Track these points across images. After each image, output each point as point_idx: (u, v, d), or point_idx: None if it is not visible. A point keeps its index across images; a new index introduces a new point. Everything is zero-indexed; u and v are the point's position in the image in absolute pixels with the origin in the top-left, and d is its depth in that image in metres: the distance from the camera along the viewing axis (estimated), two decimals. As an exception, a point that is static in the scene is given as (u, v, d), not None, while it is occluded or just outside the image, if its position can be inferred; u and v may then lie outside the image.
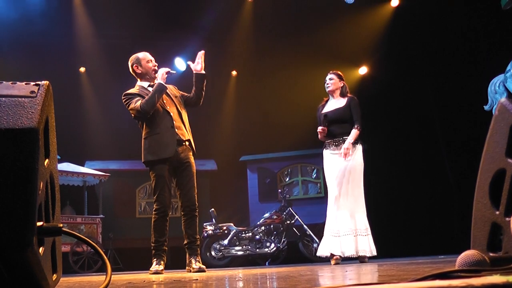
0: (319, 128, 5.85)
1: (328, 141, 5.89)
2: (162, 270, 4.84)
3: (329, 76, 6.10)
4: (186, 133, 5.08)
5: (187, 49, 11.14)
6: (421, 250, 8.34)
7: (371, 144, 10.08)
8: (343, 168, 5.75)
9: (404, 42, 10.34)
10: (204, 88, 5.29)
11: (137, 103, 4.89)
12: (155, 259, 4.93)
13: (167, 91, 5.13)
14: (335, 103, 6.02)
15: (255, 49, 11.43)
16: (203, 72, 5.26)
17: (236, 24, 11.16)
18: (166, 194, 4.97)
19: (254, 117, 11.85)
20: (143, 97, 4.95)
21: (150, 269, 4.85)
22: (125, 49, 10.85)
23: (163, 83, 4.96)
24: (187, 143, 5.08)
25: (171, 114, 5.02)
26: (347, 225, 5.61)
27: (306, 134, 6.40)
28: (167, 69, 5.09)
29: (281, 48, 11.16)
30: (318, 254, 5.85)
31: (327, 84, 6.07)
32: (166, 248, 5.04)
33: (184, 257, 5.11)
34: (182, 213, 5.06)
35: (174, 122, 5.01)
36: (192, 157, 5.12)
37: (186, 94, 5.34)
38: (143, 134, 5.07)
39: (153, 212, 5.00)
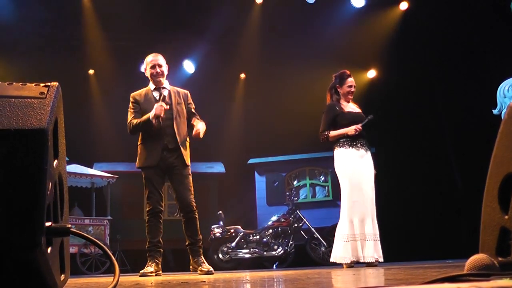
0: (357, 126, 5.63)
1: (353, 140, 5.70)
2: (152, 272, 4.80)
3: (354, 82, 5.94)
4: (175, 142, 5.06)
5: (195, 51, 11.17)
6: (429, 255, 8.29)
7: (379, 149, 10.09)
8: (364, 171, 5.67)
9: (413, 46, 10.31)
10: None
11: (129, 118, 5.16)
12: (148, 261, 4.95)
13: (171, 96, 5.19)
14: (353, 107, 5.96)
15: (263, 51, 11.43)
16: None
17: (245, 27, 11.17)
18: (155, 196, 5.03)
19: (262, 120, 11.84)
20: (140, 108, 5.13)
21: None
22: (134, 52, 10.89)
23: (152, 122, 4.93)
24: (177, 150, 5.06)
25: (161, 122, 5.02)
26: (369, 229, 5.51)
27: (314, 137, 6.34)
28: (161, 108, 4.97)
29: (290, 50, 11.15)
30: (333, 260, 5.63)
31: (353, 91, 5.93)
32: (161, 250, 5.04)
33: (187, 259, 5.11)
34: (181, 215, 5.12)
35: (163, 129, 5.04)
36: (185, 160, 5.08)
37: (193, 110, 5.30)
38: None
39: (145, 214, 5.10)
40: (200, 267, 4.89)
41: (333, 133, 5.73)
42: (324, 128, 5.80)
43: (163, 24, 10.49)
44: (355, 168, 5.64)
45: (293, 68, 11.09)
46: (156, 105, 4.97)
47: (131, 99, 5.22)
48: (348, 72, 5.97)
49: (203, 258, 5.02)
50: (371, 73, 11.71)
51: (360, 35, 10.48)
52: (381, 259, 5.52)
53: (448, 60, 9.96)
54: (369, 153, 5.78)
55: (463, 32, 9.34)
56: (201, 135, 5.03)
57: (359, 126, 5.66)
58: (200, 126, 5.05)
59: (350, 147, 5.68)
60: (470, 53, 9.36)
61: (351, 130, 5.64)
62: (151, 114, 4.95)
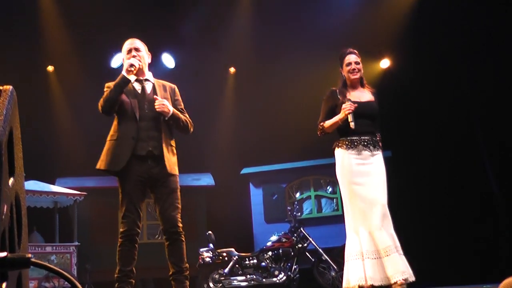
0: (351, 105, 5.33)
1: (355, 138, 5.48)
2: None
3: (355, 58, 5.65)
4: (160, 147, 4.93)
5: (176, 42, 11.15)
6: (462, 277, 8.28)
7: (396, 150, 10.12)
8: (368, 176, 5.54)
9: (433, 31, 10.33)
10: (181, 126, 5.14)
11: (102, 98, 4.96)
12: None
13: (155, 90, 5.07)
14: (362, 94, 5.69)
15: (257, 41, 11.42)
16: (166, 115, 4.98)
17: (235, 13, 11.15)
18: (132, 215, 4.85)
19: (257, 122, 11.84)
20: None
21: None
22: (101, 43, 10.85)
23: (126, 76, 4.82)
24: (163, 158, 4.91)
25: (138, 121, 4.90)
26: (382, 243, 5.36)
27: (318, 141, 6.29)
28: (134, 62, 4.89)
29: (288, 40, 11.15)
30: (345, 286, 5.50)
31: (354, 68, 5.62)
32: (133, 281, 4.94)
33: None
34: (164, 237, 5.03)
35: (139, 131, 4.89)
36: (172, 169, 4.96)
37: (180, 107, 5.18)
38: None
39: (119, 236, 4.94)
40: None
41: (327, 122, 5.52)
42: (321, 118, 5.62)
43: (138, 9, 10.46)
44: (355, 172, 5.47)
45: (292, 60, 11.09)
46: (125, 62, 4.89)
47: (105, 88, 5.01)
48: (348, 49, 5.75)
49: None
50: (385, 63, 11.74)
51: (371, 19, 10.49)
52: (410, 278, 5.34)
53: (474, 48, 9.97)
54: (377, 153, 5.64)
55: (493, 16, 9.33)
56: (165, 110, 4.88)
57: (347, 106, 5.34)
58: (165, 102, 4.92)
59: (349, 148, 5.50)
60: (499, 39, 9.37)
61: (341, 114, 5.38)
62: (124, 68, 4.84)
